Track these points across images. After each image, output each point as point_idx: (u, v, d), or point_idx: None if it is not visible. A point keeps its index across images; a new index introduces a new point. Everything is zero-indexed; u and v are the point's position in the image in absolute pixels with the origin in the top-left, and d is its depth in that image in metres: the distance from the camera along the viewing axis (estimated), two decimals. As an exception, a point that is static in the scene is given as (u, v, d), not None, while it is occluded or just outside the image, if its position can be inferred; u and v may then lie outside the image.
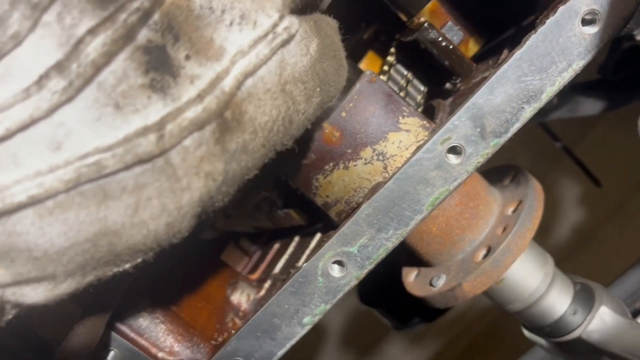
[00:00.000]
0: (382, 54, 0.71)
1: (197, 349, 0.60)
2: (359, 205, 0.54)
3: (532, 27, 0.50)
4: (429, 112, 0.62)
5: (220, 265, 0.73)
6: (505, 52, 0.58)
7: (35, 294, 0.33)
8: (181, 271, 0.65)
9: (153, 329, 0.58)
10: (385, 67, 0.68)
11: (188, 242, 0.39)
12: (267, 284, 0.68)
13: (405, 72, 0.68)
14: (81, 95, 0.30)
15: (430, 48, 0.61)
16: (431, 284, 0.63)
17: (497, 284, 0.60)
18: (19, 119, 0.29)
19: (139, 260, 0.36)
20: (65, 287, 0.34)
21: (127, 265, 0.36)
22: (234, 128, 0.35)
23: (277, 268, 0.69)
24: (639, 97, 1.03)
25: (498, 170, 0.71)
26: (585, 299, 0.63)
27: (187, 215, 0.35)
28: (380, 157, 0.56)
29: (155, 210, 0.33)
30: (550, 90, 0.50)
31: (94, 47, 0.29)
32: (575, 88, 1.05)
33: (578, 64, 0.49)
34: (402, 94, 0.68)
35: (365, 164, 0.56)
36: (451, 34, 0.63)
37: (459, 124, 0.50)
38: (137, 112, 0.31)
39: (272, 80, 0.36)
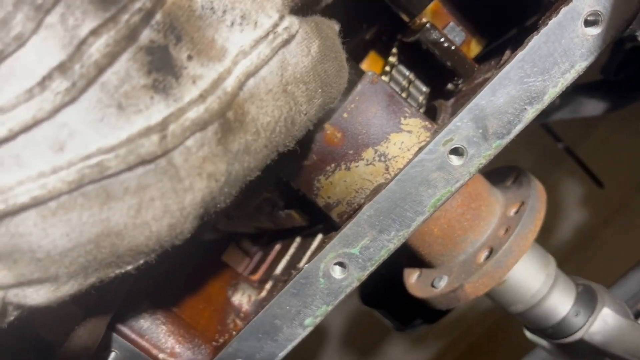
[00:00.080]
0: (384, 54, 0.71)
1: (198, 350, 0.60)
2: (360, 206, 0.54)
3: (534, 28, 0.50)
4: (430, 113, 0.62)
5: (221, 266, 0.73)
6: (508, 53, 0.58)
7: (37, 296, 0.33)
8: (182, 272, 0.65)
9: (154, 330, 0.58)
10: (387, 68, 0.68)
11: (189, 244, 0.39)
12: (268, 285, 0.67)
13: (407, 73, 0.68)
14: (84, 96, 0.30)
15: (432, 49, 0.61)
16: (433, 285, 0.63)
17: (499, 285, 0.60)
18: (22, 120, 0.29)
19: (141, 261, 0.36)
20: (68, 288, 0.34)
21: (129, 267, 0.36)
22: (236, 128, 0.35)
23: (279, 269, 0.68)
24: (642, 98, 1.02)
25: (500, 171, 0.71)
26: (588, 301, 0.63)
27: (189, 216, 0.35)
28: (382, 158, 0.56)
29: (158, 211, 0.33)
30: (552, 92, 0.50)
31: (97, 48, 0.29)
32: (578, 89, 1.05)
33: (581, 65, 0.49)
34: (403, 94, 0.67)
35: (367, 165, 0.56)
36: (453, 34, 0.63)
37: (461, 125, 0.50)
38: (140, 113, 0.31)
39: (273, 81, 0.36)
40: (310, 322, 0.54)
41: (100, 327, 0.50)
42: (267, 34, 0.35)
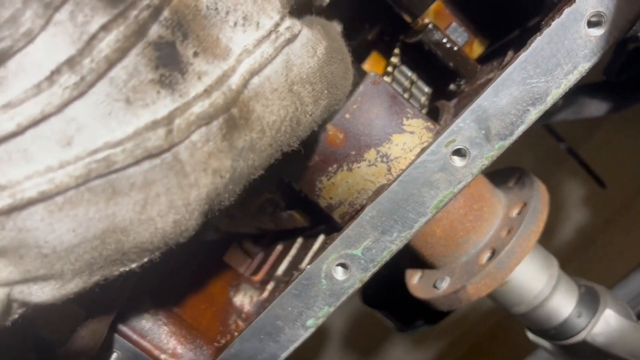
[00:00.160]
0: (386, 54, 0.71)
1: (199, 351, 0.60)
2: (362, 207, 0.54)
3: (537, 29, 0.50)
4: (433, 114, 0.62)
5: (223, 266, 0.73)
6: (510, 53, 0.58)
7: (42, 293, 0.33)
8: (184, 273, 0.65)
9: (156, 331, 0.58)
10: (389, 68, 0.68)
11: (191, 244, 0.39)
12: (270, 286, 0.67)
13: (410, 74, 0.67)
14: (92, 90, 0.30)
15: (435, 49, 0.61)
16: (435, 286, 0.63)
17: (501, 286, 0.60)
18: (31, 114, 0.29)
19: (146, 259, 0.36)
20: (72, 286, 0.34)
21: (134, 265, 0.36)
22: (241, 126, 0.35)
23: (280, 270, 0.68)
24: (644, 99, 1.02)
25: (502, 172, 0.70)
26: (590, 302, 0.63)
27: (194, 212, 0.35)
28: (384, 159, 0.55)
29: (163, 207, 0.33)
30: (555, 93, 0.49)
31: (107, 43, 0.30)
32: (580, 90, 1.05)
33: (584, 66, 0.49)
34: (406, 95, 0.67)
35: (369, 165, 0.56)
36: (455, 35, 0.63)
37: (463, 126, 0.50)
38: (147, 107, 0.31)
39: (278, 80, 0.36)
40: (312, 323, 0.54)
41: (102, 328, 0.50)
42: (269, 34, 0.35)
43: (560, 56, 0.49)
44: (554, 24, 0.48)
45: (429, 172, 0.51)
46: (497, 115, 0.50)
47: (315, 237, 0.67)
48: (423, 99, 0.68)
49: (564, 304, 0.63)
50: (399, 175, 0.52)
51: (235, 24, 0.34)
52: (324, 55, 0.39)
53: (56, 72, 0.29)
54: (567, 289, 0.64)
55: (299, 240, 0.71)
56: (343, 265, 0.53)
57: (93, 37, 0.29)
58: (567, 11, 0.48)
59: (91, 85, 0.30)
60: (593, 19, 0.48)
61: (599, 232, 1.85)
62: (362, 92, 0.55)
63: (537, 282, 0.62)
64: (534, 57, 0.49)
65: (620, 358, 0.62)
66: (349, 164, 0.56)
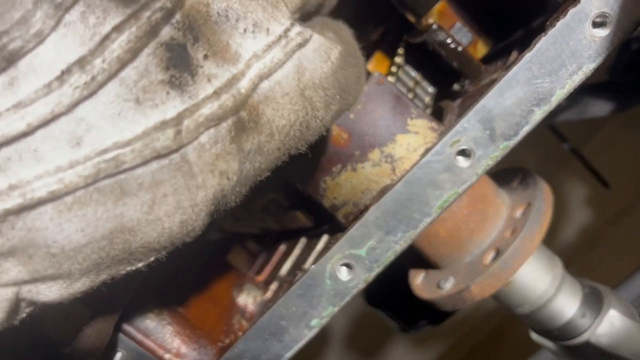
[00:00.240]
0: (390, 54, 0.71)
1: (204, 351, 0.60)
2: (367, 207, 0.54)
3: (541, 29, 0.50)
4: (437, 114, 0.62)
5: (226, 266, 0.74)
6: (514, 53, 0.58)
7: (50, 292, 0.33)
8: (188, 273, 0.65)
9: (160, 331, 0.58)
10: (393, 69, 0.68)
11: (195, 244, 0.39)
12: (273, 286, 0.67)
13: (414, 74, 0.67)
14: (103, 90, 0.30)
15: (439, 50, 0.61)
16: (439, 286, 0.63)
17: (505, 286, 0.60)
18: (41, 114, 0.29)
19: (152, 258, 0.36)
20: (80, 285, 0.34)
21: (141, 264, 0.36)
22: (250, 129, 0.35)
23: (284, 270, 0.68)
24: (648, 99, 1.02)
25: (506, 173, 0.70)
26: (594, 302, 0.63)
27: (201, 213, 0.35)
28: (389, 159, 0.56)
29: (170, 208, 0.33)
30: (560, 93, 0.49)
31: (119, 44, 0.30)
32: (584, 90, 1.05)
33: (588, 67, 0.49)
34: (410, 95, 0.67)
35: (374, 166, 0.56)
36: (460, 35, 0.63)
37: (468, 127, 0.50)
38: (156, 107, 0.31)
39: (290, 85, 0.36)
40: (316, 323, 0.54)
41: (108, 327, 0.50)
42: (279, 39, 0.35)
43: (565, 57, 0.49)
44: (558, 24, 0.48)
45: (434, 173, 0.51)
46: (502, 116, 0.50)
47: (318, 237, 0.67)
48: (427, 99, 0.68)
49: (567, 305, 0.63)
50: (403, 176, 0.52)
51: (245, 30, 0.34)
52: (338, 60, 0.39)
53: (67, 72, 0.29)
54: (571, 289, 0.63)
55: (303, 240, 0.72)
56: (347, 266, 0.53)
57: (105, 38, 0.30)
58: (571, 12, 0.48)
59: (102, 85, 0.30)
60: (598, 20, 0.48)
61: (602, 232, 1.85)
62: (367, 93, 0.55)
63: (541, 282, 0.62)
64: (539, 57, 0.49)
65: (624, 358, 0.62)
66: (353, 164, 0.56)
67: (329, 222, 0.66)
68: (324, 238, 0.66)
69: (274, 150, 0.38)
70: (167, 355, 0.58)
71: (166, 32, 0.31)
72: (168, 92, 0.32)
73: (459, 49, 0.61)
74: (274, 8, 0.35)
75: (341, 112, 0.42)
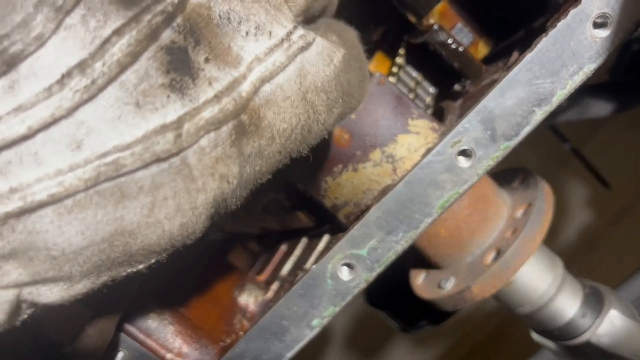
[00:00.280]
0: (391, 54, 0.71)
1: (205, 351, 0.60)
2: (368, 207, 0.54)
3: (542, 30, 0.50)
4: (438, 114, 0.62)
5: (227, 266, 0.74)
6: (515, 54, 0.58)
7: (51, 294, 0.33)
8: (189, 273, 0.65)
9: (162, 331, 0.59)
10: (394, 69, 0.68)
11: (197, 245, 0.39)
12: (274, 286, 0.67)
13: (415, 74, 0.68)
14: (103, 94, 0.30)
15: (440, 50, 0.61)
16: (440, 286, 0.63)
17: (506, 286, 0.60)
18: (41, 117, 0.29)
19: (153, 260, 0.36)
20: (81, 287, 0.34)
21: (141, 266, 0.36)
22: (251, 132, 0.35)
23: (285, 270, 0.69)
24: (649, 99, 1.02)
25: (507, 173, 0.71)
26: (595, 302, 0.63)
27: (201, 216, 0.35)
28: (390, 160, 0.56)
29: (170, 210, 0.33)
30: (561, 94, 0.50)
31: (120, 47, 0.30)
32: (585, 90, 1.05)
33: (589, 67, 0.49)
34: (411, 95, 0.67)
35: (375, 166, 0.56)
36: (461, 35, 0.63)
37: (469, 127, 0.50)
38: (156, 111, 0.31)
39: (291, 88, 0.36)
40: (317, 323, 0.54)
41: (109, 327, 0.50)
42: (282, 42, 0.35)
43: (566, 57, 0.49)
44: (559, 25, 0.48)
45: (435, 173, 0.51)
46: (503, 116, 0.50)
47: (319, 237, 0.67)
48: (428, 100, 0.68)
49: (568, 305, 0.63)
50: (404, 176, 0.52)
51: (247, 33, 0.34)
52: (341, 63, 0.38)
53: (67, 76, 0.29)
54: (571, 290, 0.64)
55: (304, 240, 0.72)
56: (348, 265, 0.53)
57: (106, 41, 0.30)
58: (572, 12, 0.48)
59: (102, 88, 0.30)
60: (598, 20, 0.48)
61: (603, 232, 1.85)
62: (368, 93, 0.55)
63: (541, 282, 0.62)
64: (540, 58, 0.49)
65: (625, 358, 0.62)
66: (355, 164, 0.56)
67: (330, 222, 0.66)
68: (325, 238, 0.66)
69: (275, 154, 0.38)
70: (168, 355, 0.59)
71: (167, 36, 0.31)
72: (168, 96, 0.32)
73: (460, 49, 0.61)
74: (277, 11, 0.35)
75: (344, 116, 0.42)
